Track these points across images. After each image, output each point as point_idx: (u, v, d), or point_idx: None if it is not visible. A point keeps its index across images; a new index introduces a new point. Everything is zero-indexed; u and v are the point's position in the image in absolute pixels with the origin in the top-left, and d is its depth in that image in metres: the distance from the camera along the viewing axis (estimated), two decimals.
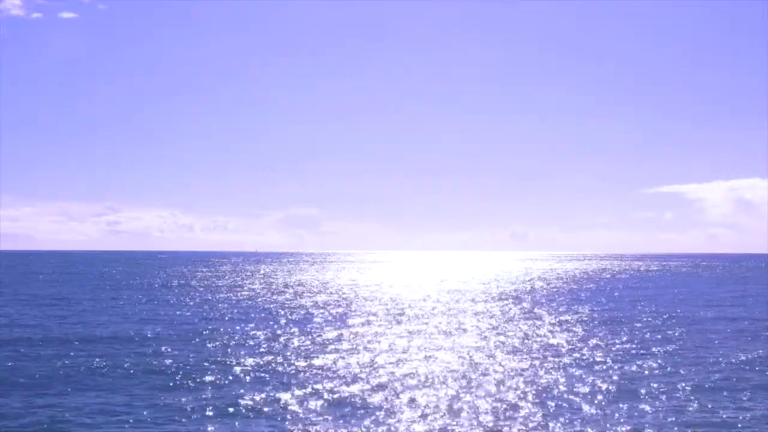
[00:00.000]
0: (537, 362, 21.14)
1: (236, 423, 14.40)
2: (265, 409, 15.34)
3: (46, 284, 62.85)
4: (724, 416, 14.97)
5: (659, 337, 27.15)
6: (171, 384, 17.78)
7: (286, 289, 58.12)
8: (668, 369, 20.14)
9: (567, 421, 14.56)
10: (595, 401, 16.16)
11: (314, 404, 15.77)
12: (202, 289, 58.26)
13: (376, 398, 16.31)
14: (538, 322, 32.31)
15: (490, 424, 14.28)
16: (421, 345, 24.62)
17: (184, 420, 14.51)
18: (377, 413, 15.04)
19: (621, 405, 15.77)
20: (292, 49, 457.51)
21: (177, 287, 60.41)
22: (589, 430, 13.94)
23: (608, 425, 14.31)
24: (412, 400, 16.13)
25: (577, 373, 19.47)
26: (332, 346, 24.12)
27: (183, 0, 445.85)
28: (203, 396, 16.51)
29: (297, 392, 16.88)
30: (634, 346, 24.69)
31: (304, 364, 20.69)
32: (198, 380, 18.21)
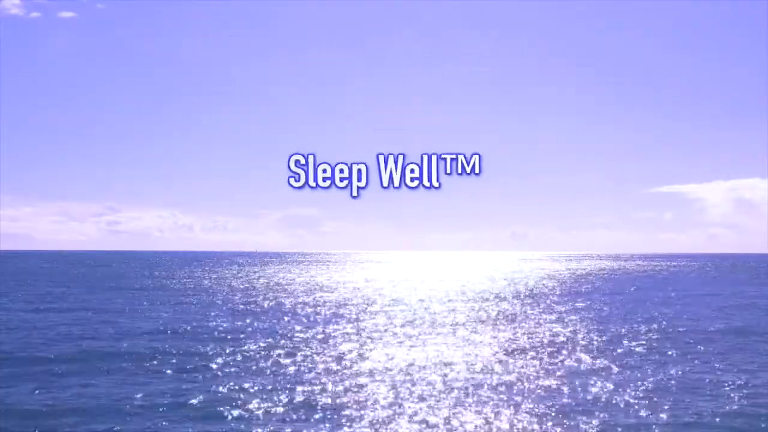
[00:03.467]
0: (538, 365, 20.86)
1: (235, 426, 14.22)
2: (265, 413, 15.12)
3: (46, 285, 62.58)
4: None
5: (660, 339, 26.88)
6: (172, 390, 17.50)
7: (288, 289, 57.90)
8: (677, 376, 19.88)
9: (567, 423, 14.39)
10: (595, 405, 15.88)
11: (313, 405, 15.54)
12: (204, 289, 58.03)
13: (375, 399, 16.08)
14: (538, 324, 32.01)
15: (492, 426, 14.14)
16: (420, 344, 24.36)
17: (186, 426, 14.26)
18: (377, 414, 14.83)
19: (623, 412, 15.54)
20: (293, 48, 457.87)
21: (177, 288, 60.16)
22: None
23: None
24: (411, 401, 15.88)
25: (578, 377, 19.20)
26: (337, 347, 23.86)
27: None
28: (203, 398, 16.30)
29: (297, 394, 16.65)
30: (639, 349, 24.42)
31: (303, 365, 20.44)
32: (200, 384, 18.01)
